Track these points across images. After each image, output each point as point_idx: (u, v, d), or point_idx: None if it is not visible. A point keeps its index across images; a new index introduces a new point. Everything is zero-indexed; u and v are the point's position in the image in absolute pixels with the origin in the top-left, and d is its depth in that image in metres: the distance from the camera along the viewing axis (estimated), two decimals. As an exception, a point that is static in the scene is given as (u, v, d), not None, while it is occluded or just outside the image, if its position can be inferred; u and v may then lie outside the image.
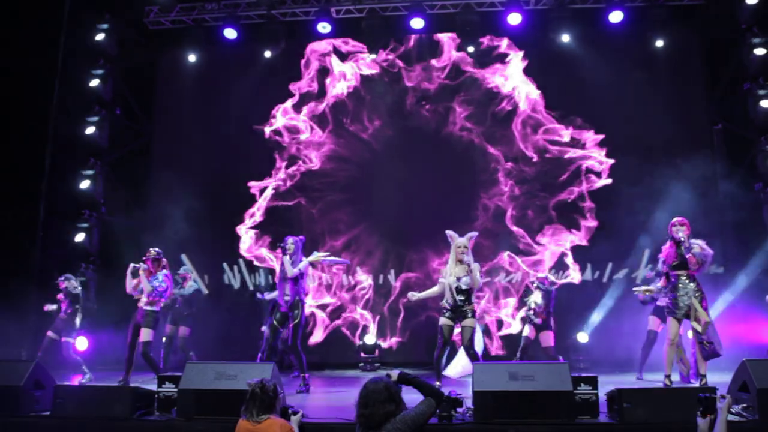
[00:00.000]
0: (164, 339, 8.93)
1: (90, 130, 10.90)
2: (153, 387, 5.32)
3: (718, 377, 6.23)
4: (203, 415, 4.88)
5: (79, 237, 10.57)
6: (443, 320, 6.49)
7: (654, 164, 10.36)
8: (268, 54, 11.36)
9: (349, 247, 10.91)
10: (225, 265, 11.17)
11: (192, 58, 11.50)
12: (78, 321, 8.28)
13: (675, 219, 6.51)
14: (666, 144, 10.51)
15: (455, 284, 6.45)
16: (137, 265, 7.21)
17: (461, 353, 7.80)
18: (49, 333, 8.21)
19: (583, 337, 9.80)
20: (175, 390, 5.07)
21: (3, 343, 8.82)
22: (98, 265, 10.89)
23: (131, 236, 11.09)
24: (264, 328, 9.17)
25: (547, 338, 8.12)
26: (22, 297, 9.63)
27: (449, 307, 6.47)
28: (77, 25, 10.84)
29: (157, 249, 7.33)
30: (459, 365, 8.29)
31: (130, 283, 7.23)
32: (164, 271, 7.26)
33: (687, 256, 6.23)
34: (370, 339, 10.37)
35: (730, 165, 10.43)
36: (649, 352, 8.00)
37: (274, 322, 6.99)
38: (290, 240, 7.01)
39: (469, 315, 6.44)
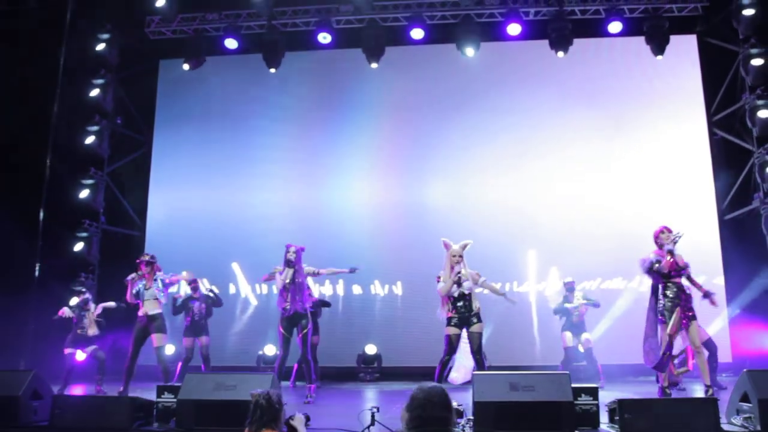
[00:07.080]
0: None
1: (90, 139, 10.89)
2: (152, 397, 5.30)
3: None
4: (203, 425, 4.86)
5: (79, 247, 10.53)
6: (450, 329, 6.35)
7: (653, 174, 10.39)
8: (268, 64, 11.36)
9: (349, 255, 10.84)
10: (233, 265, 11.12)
11: (193, 68, 11.49)
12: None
13: (664, 226, 6.24)
14: (664, 154, 10.54)
15: (456, 291, 6.37)
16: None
17: (463, 358, 7.72)
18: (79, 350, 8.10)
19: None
20: (175, 400, 5.04)
21: (2, 352, 8.79)
22: (98, 275, 10.87)
23: (131, 246, 11.08)
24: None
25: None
26: (21, 306, 9.61)
27: (454, 315, 6.39)
28: (78, 35, 10.85)
29: (150, 253, 7.55)
30: (461, 371, 8.24)
31: (134, 287, 7.24)
32: (161, 275, 7.43)
33: (687, 264, 6.12)
34: (371, 349, 10.31)
35: (729, 175, 10.44)
36: (714, 361, 7.37)
37: (283, 331, 6.92)
38: (292, 248, 6.98)
39: (476, 321, 6.37)
